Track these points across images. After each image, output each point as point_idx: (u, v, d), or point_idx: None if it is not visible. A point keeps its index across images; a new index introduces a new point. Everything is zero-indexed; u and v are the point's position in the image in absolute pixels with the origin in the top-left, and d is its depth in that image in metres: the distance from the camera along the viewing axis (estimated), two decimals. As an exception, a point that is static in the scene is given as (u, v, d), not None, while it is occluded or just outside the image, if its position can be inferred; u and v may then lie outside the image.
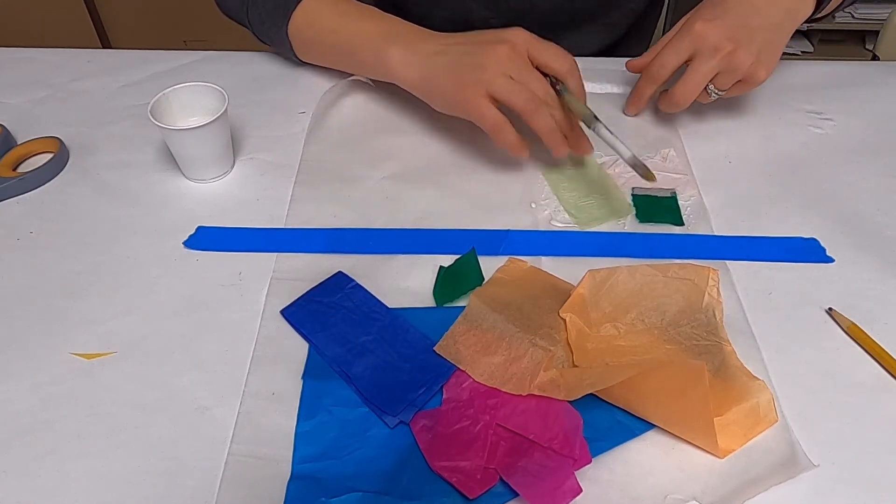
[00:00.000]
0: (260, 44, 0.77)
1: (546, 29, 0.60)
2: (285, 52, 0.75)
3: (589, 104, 0.62)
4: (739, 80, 0.64)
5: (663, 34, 0.69)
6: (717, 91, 0.65)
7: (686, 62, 0.64)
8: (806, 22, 0.67)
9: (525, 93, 0.59)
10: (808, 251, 0.58)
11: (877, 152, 0.68)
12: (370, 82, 0.73)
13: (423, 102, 0.66)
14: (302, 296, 0.54)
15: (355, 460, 0.45)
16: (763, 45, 0.62)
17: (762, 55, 0.62)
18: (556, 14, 0.81)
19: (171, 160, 0.65)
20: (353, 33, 0.68)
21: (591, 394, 0.47)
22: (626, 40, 0.90)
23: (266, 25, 0.73)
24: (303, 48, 0.73)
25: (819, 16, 0.69)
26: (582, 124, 0.62)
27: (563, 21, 0.82)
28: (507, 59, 0.60)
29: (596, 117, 0.60)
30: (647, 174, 0.57)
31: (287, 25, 0.71)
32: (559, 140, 0.61)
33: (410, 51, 0.64)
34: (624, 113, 0.73)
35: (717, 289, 0.53)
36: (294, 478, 0.44)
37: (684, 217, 0.61)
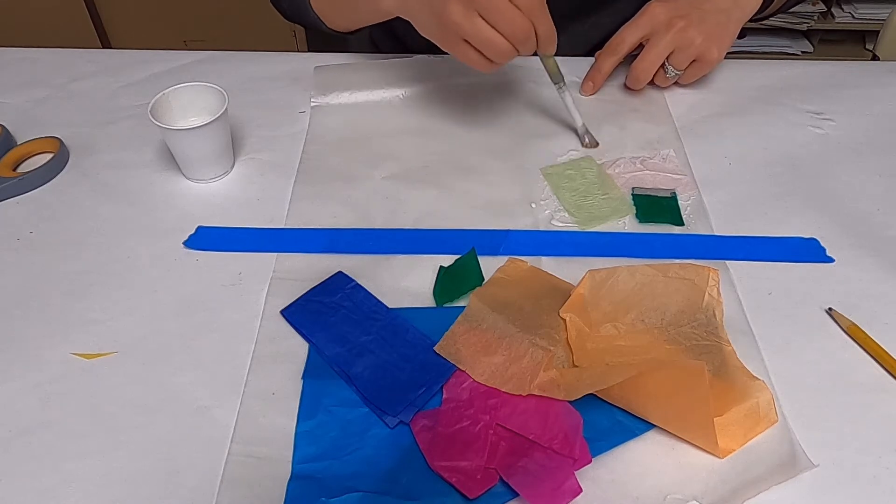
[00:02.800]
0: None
1: (558, 15, 0.59)
2: (307, 12, 0.76)
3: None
4: (695, 61, 0.70)
5: None
6: (675, 70, 0.71)
7: (644, 42, 0.71)
8: (751, 20, 0.74)
9: (491, 44, 0.57)
10: (808, 251, 0.58)
11: (877, 152, 0.68)
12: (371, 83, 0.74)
13: (423, 103, 0.66)
14: (302, 296, 0.54)
15: (355, 460, 0.45)
16: (714, 26, 0.69)
17: (713, 35, 0.69)
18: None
19: (171, 160, 0.65)
20: None
21: (591, 394, 0.47)
22: None
23: None
24: (318, 6, 0.74)
25: (763, 15, 0.77)
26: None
27: (576, 5, 0.81)
28: (468, 6, 0.56)
29: (563, 79, 0.66)
30: (591, 143, 0.68)
31: None
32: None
33: None
34: (580, 92, 0.75)
35: (718, 289, 0.53)
36: (294, 478, 0.44)
37: (684, 217, 0.61)
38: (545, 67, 0.65)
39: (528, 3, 0.55)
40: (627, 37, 0.71)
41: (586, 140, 0.68)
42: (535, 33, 0.57)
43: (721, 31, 0.69)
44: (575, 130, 0.69)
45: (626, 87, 0.74)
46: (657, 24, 0.69)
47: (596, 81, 0.74)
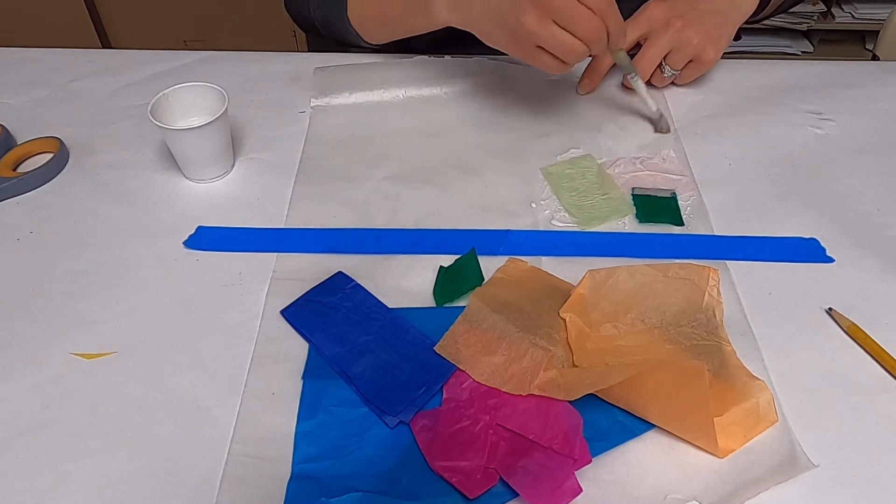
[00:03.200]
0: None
1: None
2: (343, 27, 0.76)
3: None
4: (691, 61, 0.71)
5: None
6: (671, 70, 0.72)
7: (642, 41, 0.71)
8: (748, 22, 0.74)
9: (566, 47, 0.58)
10: (808, 251, 0.58)
11: (877, 152, 0.68)
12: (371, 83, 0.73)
13: (423, 103, 0.66)
14: (302, 296, 0.54)
15: (355, 460, 0.45)
16: (710, 27, 0.69)
17: (710, 36, 0.69)
18: None
19: (171, 160, 0.65)
20: None
21: (591, 394, 0.47)
22: None
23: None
24: (358, 20, 0.75)
25: (759, 17, 0.77)
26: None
27: None
28: (543, 13, 0.57)
29: (634, 70, 0.67)
30: (665, 129, 0.69)
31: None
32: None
33: (451, 4, 0.65)
34: (577, 91, 0.75)
35: (718, 289, 0.53)
36: (294, 478, 0.44)
37: (684, 217, 0.61)
38: (616, 60, 0.66)
39: (599, 3, 0.57)
40: (627, 35, 0.70)
41: (661, 125, 0.69)
42: (607, 31, 0.58)
43: (718, 32, 0.70)
44: (649, 118, 0.70)
45: (625, 87, 0.74)
46: (655, 24, 0.69)
47: (593, 80, 0.74)
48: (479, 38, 0.64)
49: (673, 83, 0.74)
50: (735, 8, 0.71)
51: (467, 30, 0.65)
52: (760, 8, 0.73)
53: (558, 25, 0.57)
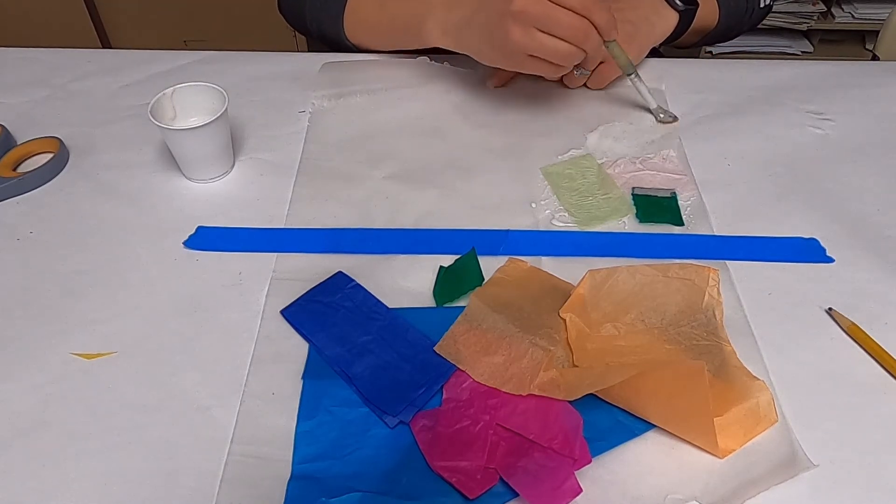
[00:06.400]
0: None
1: None
2: (339, 38, 0.78)
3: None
4: (602, 63, 0.71)
5: None
6: (584, 71, 0.72)
7: None
8: (668, 44, 0.77)
9: (556, 52, 0.60)
10: (808, 251, 0.58)
11: (877, 152, 0.68)
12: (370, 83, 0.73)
13: (422, 103, 0.66)
14: (302, 296, 0.54)
15: (355, 460, 0.45)
16: (623, 31, 0.67)
17: (621, 38, 0.66)
18: None
19: (171, 160, 0.65)
20: (392, 14, 0.73)
21: (591, 394, 0.47)
22: None
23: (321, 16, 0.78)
24: (354, 31, 0.77)
25: (679, 43, 0.80)
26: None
27: None
28: (526, 24, 0.59)
29: (634, 69, 0.68)
30: (668, 119, 0.70)
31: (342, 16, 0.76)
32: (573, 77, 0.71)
33: (441, 25, 0.68)
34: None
35: (718, 289, 0.53)
36: (294, 478, 0.44)
37: (684, 217, 0.61)
38: (615, 59, 0.66)
39: (580, 1, 0.57)
40: None
41: (661, 116, 0.70)
42: (595, 26, 0.59)
43: (628, 38, 0.69)
44: (650, 111, 0.71)
45: (626, 87, 0.74)
46: None
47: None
48: (474, 58, 0.66)
49: (586, 86, 0.74)
50: (649, 23, 0.72)
51: (461, 52, 0.68)
52: (677, 34, 0.74)
53: (543, 32, 0.59)
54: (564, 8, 0.58)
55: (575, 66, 0.71)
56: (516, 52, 0.60)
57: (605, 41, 0.62)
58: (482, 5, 0.64)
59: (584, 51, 0.60)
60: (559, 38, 0.59)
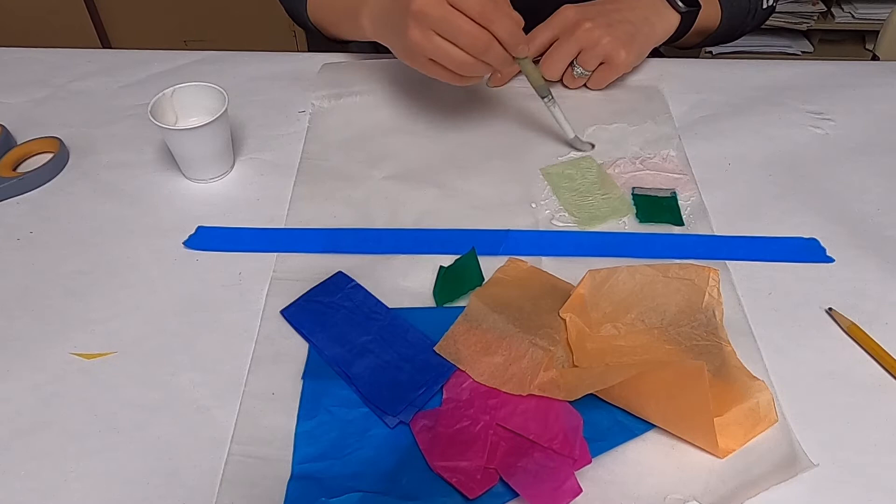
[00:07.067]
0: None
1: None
2: (303, 19, 0.79)
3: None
4: (603, 63, 0.71)
5: None
6: (582, 69, 0.72)
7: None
8: (670, 44, 0.76)
9: (452, 59, 0.57)
10: (808, 251, 0.58)
11: (877, 152, 0.68)
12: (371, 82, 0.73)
13: (422, 103, 0.66)
14: (302, 296, 0.54)
15: (355, 460, 0.45)
16: (621, 32, 0.69)
17: (619, 40, 0.69)
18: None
19: (171, 160, 0.65)
20: (340, 1, 0.73)
21: (591, 394, 0.47)
22: None
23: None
24: (314, 13, 0.78)
25: (680, 44, 0.79)
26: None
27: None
28: (424, 26, 0.56)
29: (549, 91, 0.64)
30: (586, 147, 0.67)
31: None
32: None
33: (370, 16, 0.67)
34: (487, 85, 0.75)
35: (718, 289, 0.53)
36: (294, 478, 0.44)
37: (684, 217, 0.61)
38: (527, 77, 0.63)
39: (480, 10, 0.54)
40: (538, 36, 0.71)
41: (578, 146, 0.67)
42: (498, 39, 0.56)
43: (629, 38, 0.70)
44: (567, 143, 0.68)
45: (626, 87, 0.74)
46: (566, 25, 0.70)
47: (500, 78, 0.75)
48: (394, 54, 0.65)
49: (586, 86, 0.74)
50: (649, 24, 0.71)
51: (383, 44, 0.66)
52: (678, 35, 0.74)
53: (442, 37, 0.56)
54: (465, 15, 0.54)
55: (572, 66, 0.72)
56: (415, 52, 0.58)
57: (513, 57, 0.58)
58: (394, 0, 0.60)
59: (486, 63, 0.57)
60: (457, 46, 0.56)
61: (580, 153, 0.68)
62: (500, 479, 0.44)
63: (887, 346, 0.51)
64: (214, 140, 0.62)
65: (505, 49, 0.57)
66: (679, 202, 0.62)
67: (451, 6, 0.55)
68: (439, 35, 0.56)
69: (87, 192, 0.64)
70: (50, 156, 0.66)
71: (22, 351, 0.52)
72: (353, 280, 0.55)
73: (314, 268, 0.57)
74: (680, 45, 0.81)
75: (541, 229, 0.60)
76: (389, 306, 0.54)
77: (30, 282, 0.56)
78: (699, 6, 0.73)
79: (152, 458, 0.46)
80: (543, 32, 0.71)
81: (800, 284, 0.56)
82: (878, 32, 1.18)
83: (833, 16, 2.06)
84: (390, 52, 0.79)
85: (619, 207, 0.62)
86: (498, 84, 0.75)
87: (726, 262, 0.57)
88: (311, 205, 0.62)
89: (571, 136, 0.66)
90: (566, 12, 0.71)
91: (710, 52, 2.01)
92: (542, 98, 0.64)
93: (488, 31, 0.55)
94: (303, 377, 0.49)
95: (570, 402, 0.47)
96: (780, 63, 0.81)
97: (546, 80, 0.65)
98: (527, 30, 0.60)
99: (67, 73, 0.78)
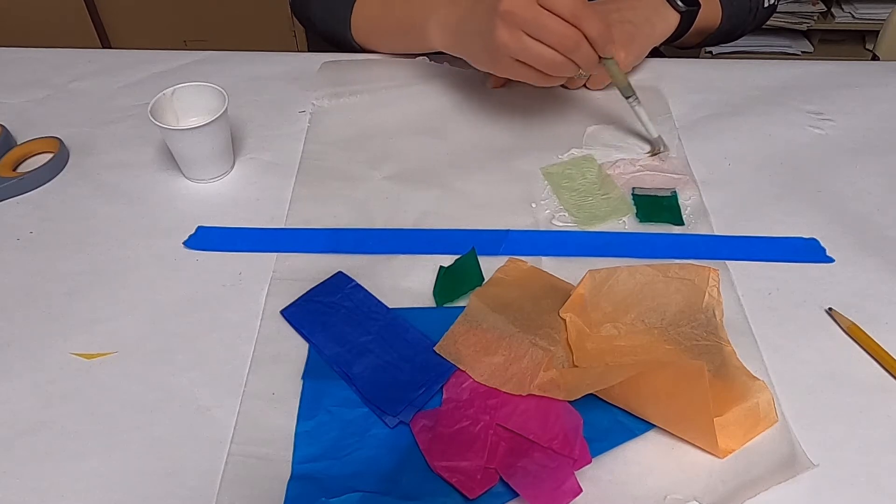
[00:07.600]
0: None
1: None
2: (346, 40, 0.79)
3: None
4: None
5: None
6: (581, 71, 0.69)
7: None
8: (670, 44, 0.76)
9: (541, 58, 0.58)
10: (808, 251, 0.58)
11: (877, 152, 0.68)
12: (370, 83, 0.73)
13: (423, 103, 0.66)
14: (302, 296, 0.54)
15: (355, 460, 0.45)
16: (621, 33, 0.68)
17: (619, 39, 0.67)
18: None
19: (171, 160, 0.65)
20: (398, 16, 0.73)
21: (591, 394, 0.47)
22: None
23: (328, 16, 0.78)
24: (362, 33, 0.78)
25: (680, 43, 0.78)
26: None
27: None
28: (513, 26, 0.57)
29: (633, 91, 0.64)
30: (661, 150, 0.66)
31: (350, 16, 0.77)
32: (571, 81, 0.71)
33: (442, 25, 0.67)
34: (488, 86, 0.75)
35: (717, 289, 0.53)
36: (294, 478, 0.44)
37: (684, 217, 0.61)
38: (612, 79, 0.64)
39: (570, 8, 0.55)
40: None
41: (659, 149, 0.67)
42: (587, 38, 0.57)
43: (629, 39, 0.69)
44: (649, 141, 0.68)
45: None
46: None
47: (498, 78, 0.74)
48: (469, 62, 0.66)
49: (586, 86, 0.74)
50: (650, 24, 0.71)
51: (459, 55, 0.67)
52: (678, 35, 0.74)
53: (531, 37, 0.57)
54: (555, 14, 0.56)
55: None
56: (503, 54, 0.59)
57: (601, 57, 0.59)
58: (477, 3, 0.63)
59: (575, 62, 0.58)
60: (547, 45, 0.57)
61: (580, 152, 0.67)
62: (500, 479, 0.44)
63: (887, 346, 0.51)
64: (214, 140, 0.62)
65: (593, 48, 0.58)
66: (679, 202, 0.62)
67: (541, 6, 0.56)
68: (528, 35, 0.57)
69: (88, 192, 0.64)
70: (50, 156, 0.66)
71: (22, 351, 0.52)
72: (353, 280, 0.55)
73: (314, 268, 0.57)
74: (680, 45, 0.80)
75: (541, 229, 0.60)
76: (389, 306, 0.54)
77: (30, 282, 0.56)
78: (699, 6, 0.73)
79: (152, 458, 0.46)
80: None
81: (800, 284, 0.56)
82: (878, 32, 1.18)
83: (833, 16, 2.06)
84: (392, 54, 0.79)
85: (620, 207, 0.62)
86: (497, 85, 0.75)
87: (726, 262, 0.57)
88: (311, 205, 0.62)
89: (655, 135, 0.66)
90: None
91: (710, 52, 2.01)
92: (627, 98, 0.65)
93: (578, 29, 0.56)
94: (303, 377, 0.49)
95: (570, 402, 0.47)
96: (780, 63, 0.81)
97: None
98: None
99: (67, 73, 0.78)
